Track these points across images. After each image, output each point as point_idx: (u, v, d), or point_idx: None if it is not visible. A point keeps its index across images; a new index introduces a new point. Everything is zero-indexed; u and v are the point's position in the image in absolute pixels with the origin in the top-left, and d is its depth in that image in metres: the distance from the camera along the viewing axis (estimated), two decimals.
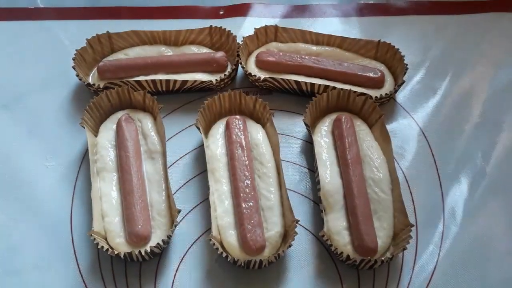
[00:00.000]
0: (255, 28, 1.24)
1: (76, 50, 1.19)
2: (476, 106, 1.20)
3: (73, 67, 1.16)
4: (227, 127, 1.09)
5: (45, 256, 0.99)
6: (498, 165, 1.11)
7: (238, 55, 1.20)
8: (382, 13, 1.38)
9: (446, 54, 1.29)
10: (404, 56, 1.19)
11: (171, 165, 1.10)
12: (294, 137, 1.15)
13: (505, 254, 1.01)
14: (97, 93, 1.15)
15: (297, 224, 0.95)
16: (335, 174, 1.04)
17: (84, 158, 1.11)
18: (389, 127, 1.14)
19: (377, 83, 1.18)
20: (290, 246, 0.94)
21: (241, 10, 1.37)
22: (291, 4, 1.39)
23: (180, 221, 1.03)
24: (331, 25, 1.35)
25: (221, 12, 1.37)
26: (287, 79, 1.15)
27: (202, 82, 1.17)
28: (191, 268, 0.99)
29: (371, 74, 1.18)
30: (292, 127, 1.16)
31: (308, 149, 1.14)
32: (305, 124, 1.09)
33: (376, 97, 1.14)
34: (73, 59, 1.18)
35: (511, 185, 1.09)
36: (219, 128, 1.11)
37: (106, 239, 0.98)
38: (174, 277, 0.98)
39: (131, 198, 0.99)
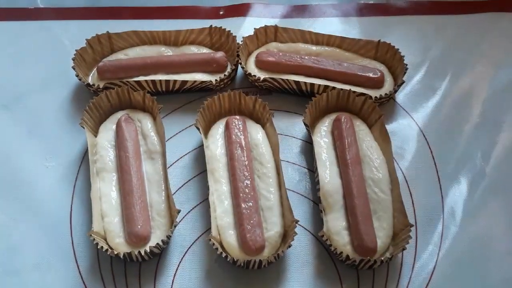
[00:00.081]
0: (255, 28, 1.24)
1: (76, 50, 1.19)
2: (476, 106, 1.20)
3: (73, 67, 1.16)
4: (227, 127, 1.09)
5: (45, 256, 1.00)
6: (498, 165, 1.11)
7: (238, 55, 1.20)
8: (382, 13, 1.38)
9: (446, 54, 1.28)
10: (404, 56, 1.19)
11: (170, 165, 1.10)
12: (294, 137, 1.15)
13: (505, 254, 1.01)
14: (97, 93, 1.15)
15: (296, 224, 0.95)
16: (334, 174, 1.04)
17: (84, 158, 1.11)
18: (388, 127, 1.14)
19: (377, 83, 1.18)
20: (289, 246, 0.94)
21: (241, 10, 1.37)
22: (291, 4, 1.39)
23: (180, 221, 1.03)
24: (331, 25, 1.35)
25: (221, 12, 1.37)
26: (286, 79, 1.15)
27: (202, 82, 1.17)
28: (190, 268, 0.99)
29: (371, 74, 1.18)
30: (291, 127, 1.16)
31: (308, 149, 1.14)
32: (305, 124, 1.09)
33: (375, 97, 1.14)
34: (73, 59, 1.18)
35: (511, 185, 1.09)
36: (218, 128, 1.11)
37: (105, 239, 0.98)
38: (174, 277, 0.98)
39: (131, 198, 0.99)
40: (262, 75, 1.18)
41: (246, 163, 1.03)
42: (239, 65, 1.21)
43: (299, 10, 1.38)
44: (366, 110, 1.12)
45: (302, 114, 1.10)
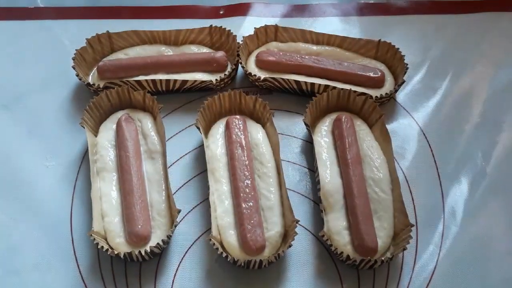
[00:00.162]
0: (255, 28, 1.24)
1: (76, 50, 1.19)
2: (476, 106, 1.20)
3: (73, 67, 1.16)
4: (227, 127, 1.09)
5: (45, 256, 1.00)
6: (498, 165, 1.11)
7: (238, 55, 1.20)
8: (382, 13, 1.38)
9: (446, 54, 1.28)
10: (404, 55, 1.19)
11: (171, 165, 1.10)
12: (294, 137, 1.15)
13: (505, 254, 1.01)
14: (97, 93, 1.15)
15: (297, 224, 0.95)
16: (335, 174, 1.04)
17: (84, 158, 1.11)
18: (389, 127, 1.14)
19: (377, 83, 1.18)
20: (290, 246, 0.94)
21: (241, 10, 1.37)
22: (291, 3, 1.39)
23: (180, 221, 1.03)
24: (331, 24, 1.35)
25: (221, 12, 1.37)
26: (287, 78, 1.15)
27: (202, 82, 1.17)
28: (191, 268, 0.99)
29: (371, 74, 1.18)
30: (292, 127, 1.16)
31: (308, 149, 1.14)
32: (305, 124, 1.09)
33: (376, 96, 1.14)
34: (73, 59, 1.18)
35: (511, 185, 1.09)
36: (219, 128, 1.10)
37: (106, 239, 0.98)
38: (174, 277, 0.98)
39: (131, 198, 0.99)
40: (262, 75, 1.18)
41: (247, 162, 1.03)
42: (239, 64, 1.21)
43: (300, 10, 1.38)
44: (366, 110, 1.12)
45: (302, 114, 1.10)
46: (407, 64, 1.18)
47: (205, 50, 1.24)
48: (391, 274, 0.98)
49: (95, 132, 1.11)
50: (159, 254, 1.00)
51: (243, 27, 1.32)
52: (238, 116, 1.11)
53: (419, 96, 1.21)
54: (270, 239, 0.96)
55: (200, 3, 1.39)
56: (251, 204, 0.98)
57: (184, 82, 1.16)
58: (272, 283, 0.97)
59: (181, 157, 1.12)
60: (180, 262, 0.99)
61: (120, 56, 1.23)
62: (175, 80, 1.15)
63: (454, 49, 1.29)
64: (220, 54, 1.20)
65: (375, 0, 1.40)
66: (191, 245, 1.01)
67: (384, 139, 1.08)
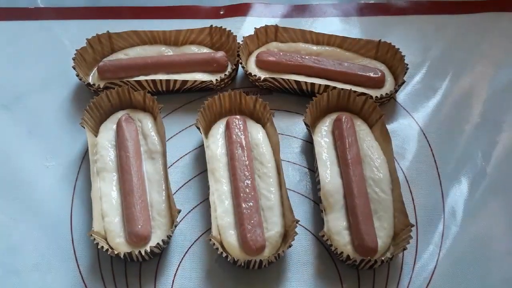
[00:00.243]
0: (255, 28, 1.24)
1: (76, 50, 1.19)
2: (476, 106, 1.20)
3: (73, 67, 1.16)
4: (227, 127, 1.09)
5: (45, 256, 1.00)
6: (498, 165, 1.11)
7: (238, 55, 1.20)
8: (383, 13, 1.38)
9: (446, 54, 1.28)
10: (404, 56, 1.19)
11: (171, 165, 1.10)
12: (294, 137, 1.15)
13: (505, 254, 1.01)
14: (97, 93, 1.15)
15: (297, 224, 0.95)
16: (335, 174, 1.04)
17: (84, 158, 1.11)
18: (389, 127, 1.14)
19: (378, 83, 1.18)
20: (290, 246, 0.94)
21: (241, 10, 1.37)
22: (291, 4, 1.39)
23: (180, 221, 1.03)
24: (331, 24, 1.35)
25: (221, 12, 1.37)
26: (287, 79, 1.15)
27: (202, 82, 1.17)
28: (191, 268, 0.99)
29: (372, 74, 1.18)
30: (292, 127, 1.16)
31: (308, 149, 1.14)
32: (305, 124, 1.09)
33: (376, 97, 1.14)
34: (73, 59, 1.18)
35: (511, 185, 1.09)
36: (219, 128, 1.10)
37: (106, 239, 0.98)
38: (174, 277, 0.98)
39: (131, 198, 0.99)
40: (262, 75, 1.18)
41: (247, 163, 1.03)
42: (239, 64, 1.21)
43: (300, 10, 1.38)
44: (366, 110, 1.12)
45: (302, 114, 1.10)
46: (407, 64, 1.18)
47: (205, 50, 1.24)
48: (391, 274, 0.98)
49: (95, 132, 1.11)
50: (159, 254, 1.00)
51: (243, 27, 1.32)
52: (238, 116, 1.11)
53: (419, 96, 1.21)
54: (270, 239, 0.96)
55: (200, 3, 1.39)
56: (251, 204, 0.98)
57: (184, 82, 1.16)
58: (272, 283, 0.97)
59: (181, 157, 1.12)
60: (180, 262, 0.99)
61: (120, 56, 1.23)
62: (175, 80, 1.15)
63: (454, 49, 1.29)
64: (220, 54, 1.20)
65: (375, 0, 1.41)
66: (191, 245, 1.01)
67: (384, 139, 1.08)
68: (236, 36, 1.23)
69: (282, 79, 1.15)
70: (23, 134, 1.15)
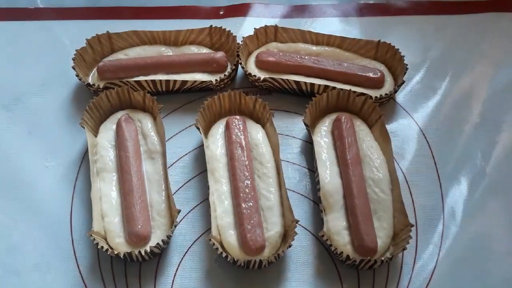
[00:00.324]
0: (255, 28, 1.24)
1: (76, 50, 1.19)
2: (476, 106, 1.20)
3: (73, 67, 1.16)
4: (227, 127, 1.09)
5: (45, 256, 1.00)
6: (498, 165, 1.11)
7: (238, 55, 1.20)
8: (382, 13, 1.38)
9: (446, 54, 1.28)
10: (404, 56, 1.19)
11: (171, 165, 1.10)
12: (294, 137, 1.15)
13: (505, 254, 1.01)
14: (97, 93, 1.15)
15: (297, 224, 0.95)
16: (335, 174, 1.04)
17: (84, 158, 1.11)
18: (389, 127, 1.14)
19: (377, 83, 1.18)
20: (290, 246, 0.94)
21: (241, 10, 1.37)
22: (291, 4, 1.39)
23: (180, 221, 1.03)
24: (331, 25, 1.35)
25: (221, 12, 1.37)
26: (287, 79, 1.15)
27: (202, 82, 1.17)
28: (191, 268, 0.99)
29: (371, 74, 1.18)
30: (292, 127, 1.16)
31: (308, 149, 1.14)
32: (305, 124, 1.09)
33: (376, 97, 1.14)
34: (73, 59, 1.18)
35: (511, 185, 1.09)
36: (219, 128, 1.11)
37: (106, 239, 0.98)
38: (174, 277, 0.98)
39: (131, 198, 0.99)
40: (262, 75, 1.18)
41: (246, 163, 1.03)
42: (239, 65, 1.21)
43: (299, 10, 1.38)
44: (366, 110, 1.12)
45: (302, 114, 1.10)
46: (406, 65, 1.18)
47: (205, 50, 1.24)
48: (391, 274, 0.98)
49: (95, 133, 1.11)
50: (159, 254, 1.00)
51: (243, 28, 1.32)
52: (238, 117, 1.11)
53: (418, 97, 1.21)
54: (270, 239, 0.96)
55: (200, 3, 1.39)
56: (251, 204, 0.98)
57: (184, 82, 1.16)
58: (272, 283, 0.97)
59: (181, 157, 1.12)
60: (180, 262, 0.99)
61: (120, 56, 1.23)
62: (175, 81, 1.15)
63: (454, 49, 1.29)
64: (220, 54, 1.20)
65: (375, 0, 1.40)
66: (191, 245, 1.01)
67: (384, 140, 1.08)
68: (235, 36, 1.23)
69: (282, 79, 1.15)
70: (23, 134, 1.15)
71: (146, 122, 1.11)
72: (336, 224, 0.98)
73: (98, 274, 0.98)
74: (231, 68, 1.19)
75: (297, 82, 1.15)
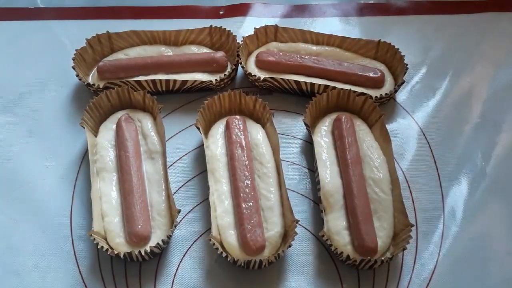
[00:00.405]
0: (255, 28, 1.24)
1: (76, 50, 1.19)
2: (476, 106, 1.20)
3: (73, 67, 1.16)
4: (227, 127, 1.09)
5: (45, 256, 1.00)
6: (498, 165, 1.11)
7: (238, 55, 1.20)
8: (382, 13, 1.38)
9: (446, 54, 1.28)
10: (404, 56, 1.19)
11: (171, 165, 1.10)
12: (294, 137, 1.15)
13: (505, 254, 1.01)
14: (97, 93, 1.15)
15: (297, 224, 0.95)
16: (335, 174, 1.04)
17: (84, 158, 1.11)
18: (389, 127, 1.14)
19: (377, 83, 1.18)
20: (290, 246, 0.94)
21: (241, 10, 1.37)
22: (291, 4, 1.39)
23: (180, 221, 1.03)
24: (331, 25, 1.35)
25: (221, 12, 1.37)
26: (287, 79, 1.15)
27: (202, 82, 1.17)
28: (191, 268, 0.99)
29: (371, 74, 1.18)
30: (292, 127, 1.16)
31: (308, 149, 1.14)
32: (305, 124, 1.09)
33: (376, 97, 1.14)
34: (73, 59, 1.18)
35: (511, 185, 1.08)
36: (219, 128, 1.11)
37: (106, 239, 0.98)
38: (174, 277, 0.98)
39: (131, 198, 0.99)
40: (262, 75, 1.18)
41: (247, 163, 1.03)
42: (239, 65, 1.21)
43: (299, 10, 1.38)
44: (366, 110, 1.12)
45: (302, 114, 1.10)
46: (407, 64, 1.18)
47: (205, 50, 1.24)
48: (391, 274, 0.98)
49: (95, 132, 1.11)
50: (159, 254, 1.00)
51: (243, 28, 1.32)
52: (238, 116, 1.11)
53: (419, 96, 1.21)
54: (270, 239, 0.96)
55: (200, 3, 1.39)
56: (251, 204, 0.98)
57: (184, 82, 1.16)
58: (272, 283, 0.97)
59: (181, 157, 1.12)
60: (180, 262, 0.99)
61: (120, 56, 1.23)
62: (175, 80, 1.15)
63: (454, 49, 1.29)
64: (220, 54, 1.20)
65: (375, 0, 1.41)
66: (191, 245, 1.01)
67: (384, 139, 1.08)
68: (235, 36, 1.23)
69: (282, 79, 1.15)
70: (23, 134, 1.15)
71: (146, 122, 1.11)
72: (336, 224, 0.98)
73: (98, 274, 0.98)
74: (231, 68, 1.19)
75: (297, 82, 1.15)
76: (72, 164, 1.10)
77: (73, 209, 1.04)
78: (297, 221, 0.95)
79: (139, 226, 0.96)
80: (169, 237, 0.96)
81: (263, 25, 1.25)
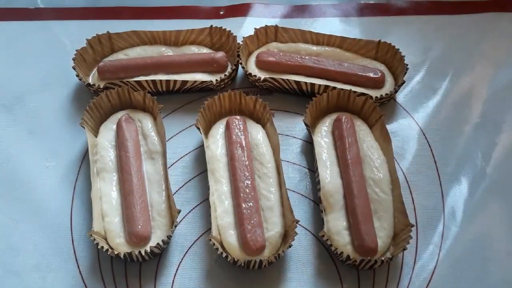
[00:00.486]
0: (255, 28, 1.24)
1: (76, 50, 1.19)
2: (476, 106, 1.20)
3: (73, 67, 1.16)
4: (227, 127, 1.09)
5: (45, 256, 1.00)
6: (498, 166, 1.11)
7: (238, 55, 1.20)
8: (383, 13, 1.38)
9: (446, 54, 1.28)
10: (404, 56, 1.19)
11: (171, 165, 1.10)
12: (294, 137, 1.15)
13: (505, 254, 1.01)
14: (97, 93, 1.15)
15: (297, 224, 0.95)
16: (335, 174, 1.04)
17: (84, 158, 1.11)
18: (389, 127, 1.14)
19: (377, 83, 1.18)
20: (290, 246, 0.94)
21: (241, 10, 1.37)
22: (291, 4, 1.39)
23: (180, 221, 1.03)
24: (331, 25, 1.35)
25: (221, 12, 1.37)
26: (287, 79, 1.15)
27: (202, 82, 1.17)
28: (191, 268, 0.99)
29: (371, 74, 1.18)
30: (292, 127, 1.16)
31: (308, 149, 1.14)
32: (305, 124, 1.09)
33: (376, 97, 1.14)
34: (73, 59, 1.18)
35: (511, 185, 1.09)
36: (219, 128, 1.11)
37: (106, 239, 0.98)
38: (174, 277, 0.98)
39: (131, 198, 0.99)
40: (262, 75, 1.18)
41: (247, 163, 1.03)
42: (239, 65, 1.21)
43: (300, 10, 1.38)
44: (366, 110, 1.12)
45: (302, 114, 1.10)
46: (407, 65, 1.18)
47: (205, 50, 1.24)
48: (391, 274, 0.98)
49: (95, 133, 1.11)
50: (159, 254, 1.00)
51: (243, 28, 1.32)
52: (238, 117, 1.11)
53: (419, 97, 1.21)
54: (270, 239, 0.96)
55: (200, 3, 1.39)
56: (251, 204, 0.98)
57: (184, 82, 1.16)
58: (272, 283, 0.97)
59: (181, 158, 1.12)
60: (180, 262, 0.99)
61: (120, 56, 1.23)
62: (175, 81, 1.15)
63: (454, 49, 1.29)
64: (220, 54, 1.20)
65: (375, 0, 1.41)
66: (191, 245, 1.01)
67: (384, 140, 1.08)
68: (236, 36, 1.23)
69: (282, 79, 1.15)
70: (23, 134, 1.15)
71: (147, 122, 1.11)
72: (337, 224, 0.98)
73: (98, 274, 0.98)
74: (231, 68, 1.19)
75: (297, 82, 1.15)
76: (72, 164, 1.10)
77: (73, 209, 1.05)
78: (297, 221, 0.95)
79: (139, 226, 0.96)
80: (169, 237, 0.96)
81: (263, 25, 1.25)
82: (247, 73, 1.18)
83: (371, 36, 1.25)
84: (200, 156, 1.12)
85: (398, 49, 1.20)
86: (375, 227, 0.98)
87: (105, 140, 1.08)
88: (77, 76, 1.16)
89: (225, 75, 1.17)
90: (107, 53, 1.24)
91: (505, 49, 1.30)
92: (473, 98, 1.21)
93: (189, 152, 1.13)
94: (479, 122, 1.17)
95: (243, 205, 0.98)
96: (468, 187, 1.08)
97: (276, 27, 1.25)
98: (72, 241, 1.01)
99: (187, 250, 1.01)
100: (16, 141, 1.14)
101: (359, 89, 1.16)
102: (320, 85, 1.15)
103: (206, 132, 1.11)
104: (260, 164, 1.05)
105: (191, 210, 1.05)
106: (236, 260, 0.93)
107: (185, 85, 1.17)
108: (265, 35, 1.25)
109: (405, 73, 1.17)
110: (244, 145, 1.05)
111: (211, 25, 1.24)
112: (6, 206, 1.05)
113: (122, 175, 1.02)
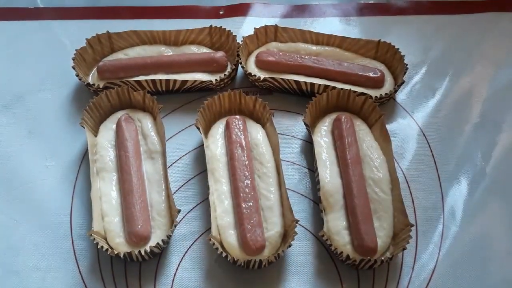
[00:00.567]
0: (255, 28, 1.24)
1: (76, 50, 1.19)
2: (476, 106, 1.20)
3: (73, 67, 1.16)
4: (227, 127, 1.09)
5: (45, 256, 1.00)
6: (498, 165, 1.11)
7: (238, 55, 1.20)
8: (382, 13, 1.38)
9: (446, 54, 1.28)
10: (404, 56, 1.19)
11: (171, 165, 1.10)
12: (294, 137, 1.15)
13: (505, 254, 1.01)
14: (97, 93, 1.15)
15: (297, 224, 0.95)
16: (335, 174, 1.04)
17: (84, 158, 1.11)
18: (389, 127, 1.14)
19: (377, 83, 1.18)
20: (290, 246, 0.94)
21: (241, 10, 1.37)
22: (291, 4, 1.39)
23: (180, 221, 1.03)
24: (331, 25, 1.35)
25: (221, 12, 1.37)
26: (287, 79, 1.15)
27: (202, 82, 1.17)
28: (191, 268, 0.99)
29: (371, 74, 1.18)
30: (292, 127, 1.16)
31: (308, 149, 1.14)
32: (305, 124, 1.09)
33: (376, 97, 1.14)
34: (73, 59, 1.18)
35: (511, 185, 1.08)
36: (219, 128, 1.11)
37: (106, 239, 0.98)
38: (174, 277, 0.98)
39: (131, 198, 0.99)
40: (262, 75, 1.18)
41: (246, 163, 1.03)
42: (239, 64, 1.21)
43: (299, 10, 1.38)
44: (366, 110, 1.12)
45: (302, 114, 1.10)
46: (406, 64, 1.18)
47: (205, 50, 1.24)
48: (391, 274, 0.98)
49: (95, 132, 1.11)
50: (159, 254, 1.00)
51: (243, 27, 1.32)
52: (238, 116, 1.11)
53: (418, 96, 1.21)
54: (270, 239, 0.96)
55: (200, 3, 1.39)
56: (251, 204, 0.98)
57: (184, 82, 1.16)
58: (272, 283, 0.97)
59: (181, 157, 1.12)
60: (180, 262, 0.99)
61: (120, 56, 1.23)
62: (175, 80, 1.15)
63: (454, 49, 1.29)
64: (220, 54, 1.20)
65: (375, 0, 1.41)
66: (191, 245, 1.01)
67: (384, 139, 1.08)
68: (235, 36, 1.23)
69: (282, 79, 1.15)
70: (23, 134, 1.15)
71: (146, 122, 1.11)
72: (336, 224, 0.98)
73: (98, 274, 0.98)
74: (231, 68, 1.19)
75: (297, 82, 1.15)
76: (72, 164, 1.10)
77: (73, 209, 1.05)
78: (297, 221, 0.95)
79: (139, 226, 0.96)
80: (169, 237, 0.96)
81: (263, 25, 1.25)
82: (247, 72, 1.18)
83: (371, 36, 1.25)
84: (199, 156, 1.12)
85: (398, 49, 1.20)
86: (374, 227, 0.98)
87: (105, 140, 1.08)
88: (77, 76, 1.16)
89: (224, 74, 1.17)
90: (107, 53, 1.24)
91: (505, 49, 1.30)
92: (473, 98, 1.21)
93: (189, 152, 1.13)
94: (479, 122, 1.17)
95: (243, 205, 0.98)
96: (468, 187, 1.08)
97: (275, 26, 1.25)
98: (72, 241, 1.01)
99: (187, 250, 1.01)
100: (16, 141, 1.14)
101: (359, 89, 1.16)
102: (319, 84, 1.15)
103: (206, 131, 1.11)
104: (260, 164, 1.05)
105: (191, 210, 1.05)
106: (236, 260, 0.93)
107: (185, 84, 1.17)
108: (265, 34, 1.25)
109: (405, 72, 1.17)
110: (243, 145, 1.05)
111: (211, 25, 1.24)
112: (6, 206, 1.05)
113: (122, 174, 1.02)
